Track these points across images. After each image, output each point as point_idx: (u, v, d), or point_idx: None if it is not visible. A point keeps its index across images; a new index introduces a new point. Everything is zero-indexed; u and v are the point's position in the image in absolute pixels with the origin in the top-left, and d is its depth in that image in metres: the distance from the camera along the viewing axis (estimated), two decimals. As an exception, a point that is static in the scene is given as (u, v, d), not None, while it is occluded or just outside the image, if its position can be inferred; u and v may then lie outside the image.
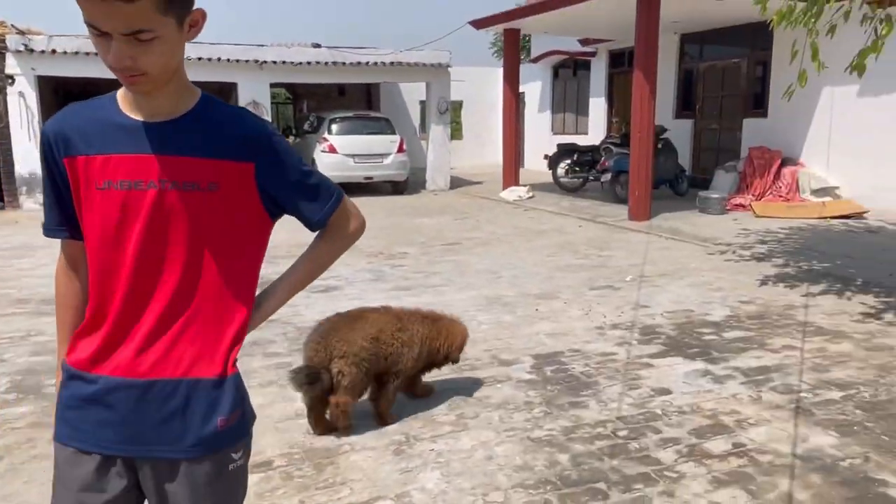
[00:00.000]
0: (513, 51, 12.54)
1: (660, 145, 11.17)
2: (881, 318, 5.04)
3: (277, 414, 3.52)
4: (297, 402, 3.64)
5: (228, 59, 12.28)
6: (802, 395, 3.70)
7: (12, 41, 11.08)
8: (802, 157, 10.90)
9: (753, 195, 10.64)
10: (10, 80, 11.15)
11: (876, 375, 3.95)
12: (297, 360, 4.23)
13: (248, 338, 4.79)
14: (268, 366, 4.21)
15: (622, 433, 3.27)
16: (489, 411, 3.53)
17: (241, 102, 12.65)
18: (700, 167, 12.90)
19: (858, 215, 9.23)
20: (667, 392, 3.75)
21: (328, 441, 3.22)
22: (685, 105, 13.23)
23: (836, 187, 10.31)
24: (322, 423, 3.26)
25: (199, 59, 12.06)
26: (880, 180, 9.69)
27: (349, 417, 3.23)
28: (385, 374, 3.32)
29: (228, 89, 13.54)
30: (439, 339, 3.47)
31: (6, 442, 3.22)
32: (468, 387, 3.86)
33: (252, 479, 2.76)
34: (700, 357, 4.28)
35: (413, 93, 17.56)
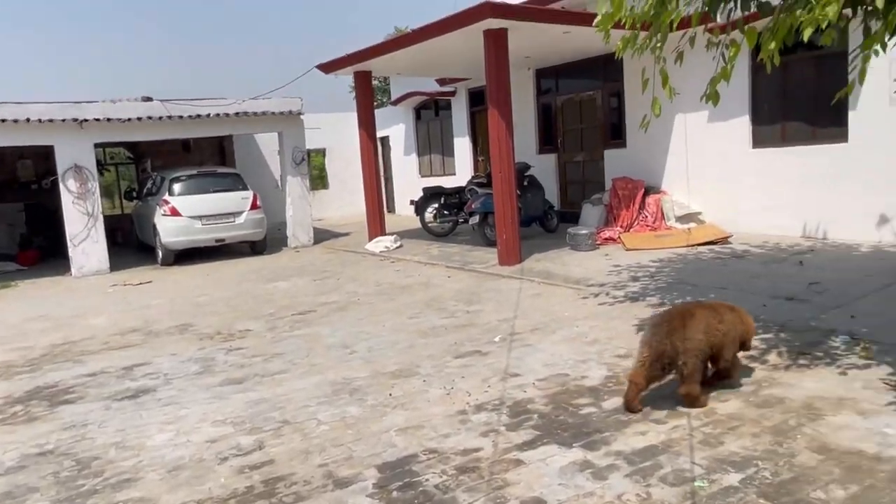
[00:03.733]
0: (365, 94, 11.87)
1: (525, 182, 10.83)
2: (765, 360, 4.59)
3: None
4: None
5: (41, 120, 10.75)
6: (697, 483, 3.06)
7: None
8: (664, 184, 10.88)
9: (621, 227, 10.44)
10: None
11: (773, 443, 3.39)
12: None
13: (1, 486, 3.27)
14: (12, 535, 3.06)
15: (483, 586, 2.45)
16: (308, 574, 2.60)
17: (60, 167, 11.12)
18: (568, 201, 12.71)
19: (723, 240, 9.16)
20: (540, 503, 2.99)
21: None
22: (547, 140, 13.08)
23: (699, 212, 10.31)
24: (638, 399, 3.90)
25: (4, 121, 10.48)
26: (738, 203, 9.76)
27: (698, 400, 3.85)
28: (716, 361, 4.02)
29: (48, 152, 11.94)
30: (742, 326, 4.06)
31: None
32: (286, 533, 2.91)
33: None
34: (578, 441, 3.57)
35: (271, 143, 16.50)
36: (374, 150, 12.02)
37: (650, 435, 3.59)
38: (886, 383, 4.02)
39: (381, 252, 11.12)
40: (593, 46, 9.91)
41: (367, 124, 11.85)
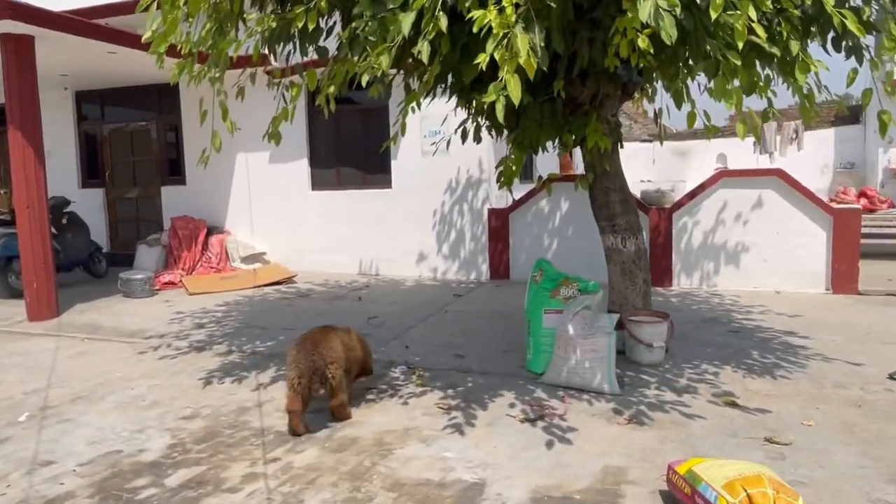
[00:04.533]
0: None
1: (65, 220, 9.23)
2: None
3: None
4: None
5: None
6: (279, 557, 2.74)
7: None
8: (228, 224, 10.55)
9: (183, 269, 9.70)
10: None
11: (352, 489, 3.30)
12: None
13: None
14: None
15: None
16: None
17: None
18: (120, 242, 11.33)
19: (289, 280, 9.26)
20: None
21: None
22: (92, 173, 11.48)
23: (264, 253, 10.26)
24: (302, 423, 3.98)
25: None
26: (300, 243, 10.03)
27: (347, 408, 4.18)
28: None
29: None
30: (367, 348, 4.68)
31: None
32: None
33: None
34: (135, 539, 2.91)
35: None
36: None
37: (224, 509, 3.15)
38: (440, 407, 4.38)
39: None
40: (146, 72, 9.07)
41: None
